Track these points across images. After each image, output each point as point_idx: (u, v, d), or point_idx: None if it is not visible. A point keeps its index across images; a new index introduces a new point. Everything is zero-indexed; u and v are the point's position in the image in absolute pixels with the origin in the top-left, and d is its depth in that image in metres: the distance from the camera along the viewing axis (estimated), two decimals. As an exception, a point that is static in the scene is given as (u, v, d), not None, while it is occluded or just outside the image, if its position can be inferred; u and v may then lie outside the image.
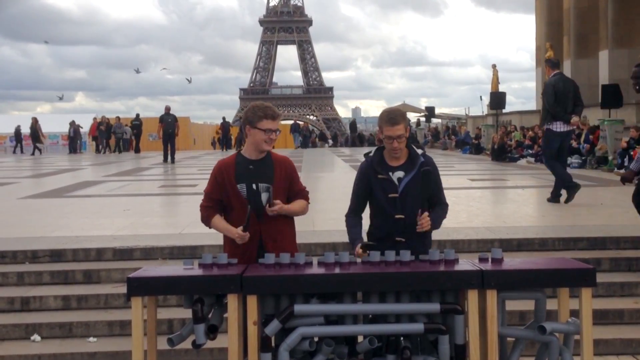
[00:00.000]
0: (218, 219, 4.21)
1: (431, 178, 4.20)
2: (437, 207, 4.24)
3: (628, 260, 6.69)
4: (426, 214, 4.09)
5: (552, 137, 9.83)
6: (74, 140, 34.55)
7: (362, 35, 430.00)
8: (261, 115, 4.10)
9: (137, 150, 32.40)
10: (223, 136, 37.73)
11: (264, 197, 4.13)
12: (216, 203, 4.21)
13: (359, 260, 3.89)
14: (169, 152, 23.41)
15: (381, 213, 4.18)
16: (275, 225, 4.14)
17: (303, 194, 4.29)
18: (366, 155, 4.35)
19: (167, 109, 23.93)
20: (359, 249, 4.01)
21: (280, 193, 4.15)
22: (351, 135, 45.65)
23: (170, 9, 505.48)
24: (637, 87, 6.96)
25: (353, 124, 47.89)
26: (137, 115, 33.33)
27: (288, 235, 4.24)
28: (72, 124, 34.41)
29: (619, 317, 5.90)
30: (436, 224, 4.19)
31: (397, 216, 4.12)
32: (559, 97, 9.65)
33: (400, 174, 4.17)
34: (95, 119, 35.33)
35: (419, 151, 4.27)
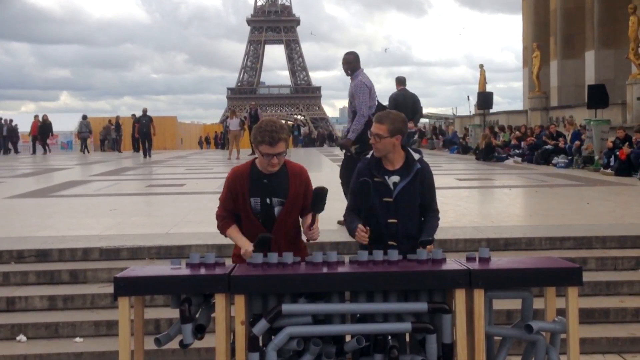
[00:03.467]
0: (233, 229, 4.15)
1: (426, 184, 4.22)
2: (429, 215, 4.24)
3: (614, 259, 6.73)
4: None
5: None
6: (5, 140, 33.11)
7: (346, 35, 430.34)
8: (259, 140, 4.01)
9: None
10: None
11: (277, 211, 4.08)
12: (230, 212, 4.17)
13: (364, 241, 3.96)
14: (146, 148, 26.78)
15: (374, 216, 4.18)
16: (285, 231, 4.12)
17: None
18: (364, 156, 4.34)
19: (144, 110, 27.20)
20: (360, 227, 4.02)
21: (296, 206, 4.11)
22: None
23: (153, 8, 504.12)
24: None
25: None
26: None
27: (298, 236, 4.21)
28: (6, 122, 32.97)
29: (605, 315, 5.94)
30: (430, 234, 4.19)
31: (389, 220, 4.13)
32: (399, 107, 11.03)
33: (395, 178, 4.18)
34: (36, 116, 33.35)
35: (416, 156, 4.26)
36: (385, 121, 4.18)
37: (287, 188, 4.09)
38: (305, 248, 4.27)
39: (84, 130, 33.30)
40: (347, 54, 7.87)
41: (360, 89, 7.65)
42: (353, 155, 7.60)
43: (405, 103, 11.46)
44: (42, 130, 32.34)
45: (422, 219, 4.24)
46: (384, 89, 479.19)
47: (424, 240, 4.08)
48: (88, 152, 33.22)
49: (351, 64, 7.81)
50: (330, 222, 7.53)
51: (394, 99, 11.73)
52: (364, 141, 7.37)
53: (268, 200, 4.07)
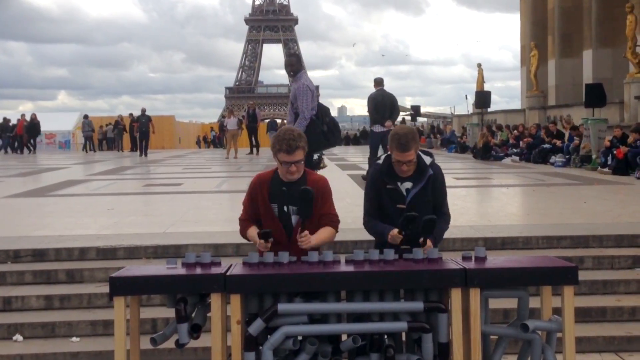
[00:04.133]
0: (251, 229, 4.21)
1: (437, 187, 4.22)
2: (439, 217, 4.21)
3: (610, 258, 6.74)
4: (306, 232, 4.03)
5: (373, 136, 12.94)
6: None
7: (344, 34, 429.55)
8: (278, 148, 4.09)
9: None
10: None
11: (294, 219, 4.13)
12: (252, 216, 4.25)
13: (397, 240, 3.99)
14: (142, 147, 27.52)
15: (388, 223, 4.18)
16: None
17: (330, 219, 4.18)
18: (375, 162, 4.34)
19: (143, 110, 28.20)
20: (395, 231, 4.02)
21: (312, 217, 4.12)
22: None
23: (150, 7, 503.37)
24: None
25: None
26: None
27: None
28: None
29: (602, 314, 5.94)
30: (437, 242, 4.19)
31: None
32: (378, 107, 12.56)
33: (408, 184, 4.19)
34: (23, 115, 33.43)
35: (427, 160, 4.25)
36: (412, 146, 4.13)
37: None
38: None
39: (87, 129, 33.42)
40: (290, 56, 8.19)
41: (304, 92, 7.78)
42: None
43: (384, 102, 12.56)
44: (29, 130, 32.26)
45: None
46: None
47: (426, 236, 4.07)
48: (94, 151, 33.23)
49: (294, 65, 7.99)
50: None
51: (373, 98, 12.70)
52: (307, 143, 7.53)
53: (285, 208, 4.14)
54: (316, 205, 4.12)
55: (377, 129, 12.66)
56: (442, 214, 4.27)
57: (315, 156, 7.91)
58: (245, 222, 4.29)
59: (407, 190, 4.17)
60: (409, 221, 3.95)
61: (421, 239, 4.03)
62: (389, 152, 4.31)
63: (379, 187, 4.23)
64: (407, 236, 4.07)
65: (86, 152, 32.91)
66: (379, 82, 12.90)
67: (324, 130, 7.90)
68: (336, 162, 20.65)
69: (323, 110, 7.98)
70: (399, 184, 4.18)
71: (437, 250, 3.77)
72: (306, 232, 4.04)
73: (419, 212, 4.10)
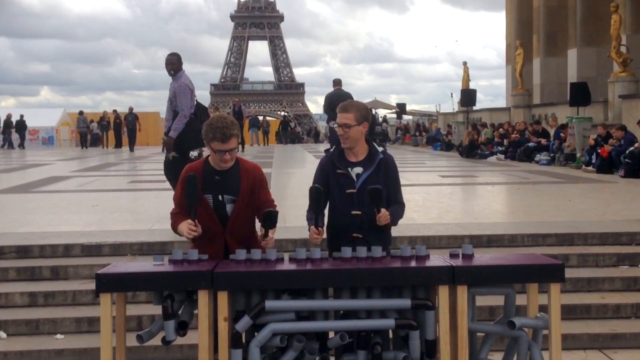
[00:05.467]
0: (183, 225, 4.05)
1: (389, 174, 4.20)
2: (394, 205, 4.20)
3: (595, 256, 6.78)
4: (384, 209, 4.05)
5: (333, 132, 13.75)
6: None
7: (328, 32, 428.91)
8: (211, 136, 4.02)
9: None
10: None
11: (229, 208, 4.08)
12: (184, 210, 4.10)
13: (316, 242, 3.97)
14: (129, 143, 29.65)
15: (339, 209, 4.17)
16: (238, 228, 4.11)
17: (269, 206, 4.13)
18: (327, 150, 4.34)
19: (130, 109, 30.62)
20: (312, 229, 4.00)
21: (248, 204, 4.09)
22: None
23: (134, 2, 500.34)
24: None
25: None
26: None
27: (253, 233, 4.19)
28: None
29: (586, 312, 5.98)
30: (394, 219, 4.16)
31: (353, 212, 4.11)
32: (332, 104, 13.17)
33: (358, 169, 4.17)
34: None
35: (379, 148, 4.27)
36: (351, 109, 4.17)
37: (238, 185, 4.08)
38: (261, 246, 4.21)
39: (82, 125, 33.33)
40: (170, 55, 8.24)
41: (184, 90, 8.02)
42: (169, 158, 8.15)
43: (339, 100, 13.14)
44: (18, 127, 32.76)
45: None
46: (366, 86, 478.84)
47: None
48: (86, 147, 33.09)
49: (174, 64, 8.15)
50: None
51: (329, 97, 13.75)
52: (184, 140, 7.96)
53: (220, 197, 4.07)
54: (252, 194, 4.09)
55: (333, 124, 13.56)
56: (397, 203, 4.21)
57: (195, 153, 8.08)
58: (176, 215, 4.13)
59: (358, 175, 4.16)
60: (374, 193, 3.95)
61: (375, 210, 4.01)
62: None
63: (327, 172, 4.20)
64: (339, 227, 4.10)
65: (85, 147, 32.77)
66: (337, 83, 14.02)
67: (201, 129, 8.09)
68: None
69: (201, 110, 8.34)
70: (349, 169, 4.17)
71: (424, 247, 3.77)
72: (270, 236, 3.97)
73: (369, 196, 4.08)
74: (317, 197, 3.97)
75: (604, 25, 22.27)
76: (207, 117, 8.24)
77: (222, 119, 4.09)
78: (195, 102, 8.22)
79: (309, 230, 4.07)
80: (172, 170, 8.10)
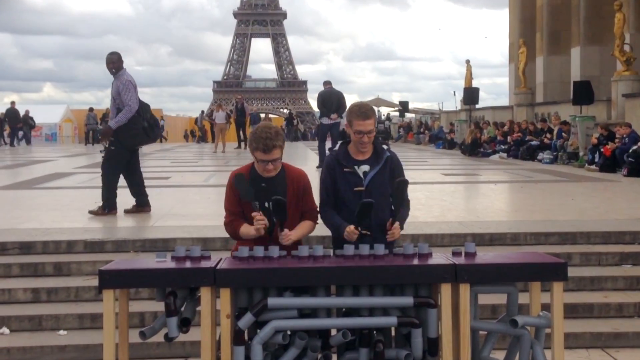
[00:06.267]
0: (244, 227, 4.05)
1: (396, 171, 4.21)
2: (402, 208, 4.19)
3: (598, 254, 6.77)
4: (397, 223, 4.06)
5: (322, 128, 15.24)
6: None
7: (330, 29, 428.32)
8: (254, 146, 4.00)
9: None
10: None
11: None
12: (238, 215, 4.11)
13: (354, 237, 3.94)
14: None
15: (347, 207, 4.17)
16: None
17: (312, 214, 4.17)
18: (331, 149, 4.35)
19: None
20: (351, 227, 3.98)
21: (293, 210, 4.08)
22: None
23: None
24: None
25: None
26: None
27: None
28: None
29: (589, 311, 5.98)
30: (403, 224, 4.19)
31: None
32: (325, 102, 14.69)
33: (365, 167, 4.18)
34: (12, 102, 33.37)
35: (384, 147, 4.29)
36: (371, 115, 4.19)
37: (285, 192, 4.06)
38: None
39: (91, 122, 33.22)
40: (111, 54, 8.54)
41: (127, 87, 8.35)
42: (105, 146, 8.54)
43: (331, 99, 14.66)
44: (25, 121, 32.30)
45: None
46: (368, 84, 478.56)
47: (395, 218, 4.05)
48: (92, 144, 33.06)
49: (115, 63, 8.46)
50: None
51: (321, 95, 14.82)
52: (124, 133, 8.30)
53: (267, 204, 4.04)
54: (298, 201, 4.10)
55: (325, 121, 14.91)
56: (403, 204, 4.25)
57: (102, 148, 8.59)
58: (233, 222, 4.12)
59: (365, 173, 4.17)
60: (365, 207, 3.92)
61: (388, 223, 4.02)
62: (344, 140, 4.33)
63: (334, 171, 4.20)
64: (364, 227, 4.06)
65: (91, 144, 32.70)
66: (327, 83, 15.06)
67: (144, 126, 8.57)
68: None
69: (144, 107, 8.56)
70: (356, 167, 4.18)
71: (427, 245, 3.77)
72: (285, 230, 3.98)
73: (377, 194, 4.11)
74: (369, 209, 3.93)
75: (607, 24, 22.22)
76: (150, 114, 8.67)
77: (266, 128, 4.04)
78: (138, 98, 8.49)
79: (342, 229, 4.05)
80: (110, 162, 8.50)
